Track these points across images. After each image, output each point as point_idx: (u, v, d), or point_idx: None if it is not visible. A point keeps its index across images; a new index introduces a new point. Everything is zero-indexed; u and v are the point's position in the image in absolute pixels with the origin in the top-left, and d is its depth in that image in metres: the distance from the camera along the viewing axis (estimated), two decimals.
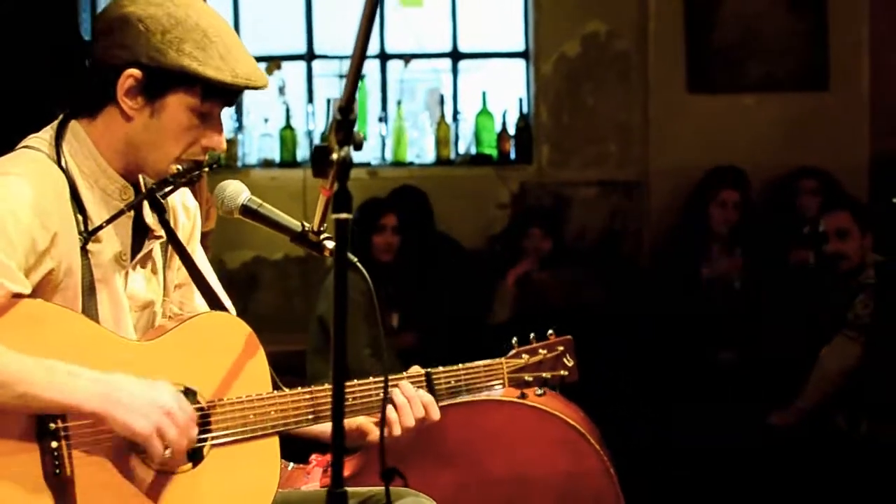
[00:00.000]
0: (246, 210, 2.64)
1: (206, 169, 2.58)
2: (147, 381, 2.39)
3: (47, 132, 2.53)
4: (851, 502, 4.99)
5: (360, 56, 1.96)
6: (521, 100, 7.36)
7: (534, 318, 3.10)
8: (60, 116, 2.55)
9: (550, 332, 2.96)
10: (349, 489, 2.53)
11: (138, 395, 2.35)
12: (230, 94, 2.51)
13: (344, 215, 1.99)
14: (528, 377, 2.91)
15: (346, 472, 3.67)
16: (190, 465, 2.48)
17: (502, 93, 7.49)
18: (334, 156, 2.00)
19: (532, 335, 2.94)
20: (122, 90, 2.45)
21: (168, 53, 2.42)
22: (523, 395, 2.94)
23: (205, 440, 2.49)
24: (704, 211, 6.59)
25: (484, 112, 7.32)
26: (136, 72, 2.44)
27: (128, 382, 2.36)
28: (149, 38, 2.42)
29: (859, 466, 5.08)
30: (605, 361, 5.59)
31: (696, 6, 7.15)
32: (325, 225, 2.50)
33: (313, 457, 3.68)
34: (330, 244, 2.60)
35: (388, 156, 7.31)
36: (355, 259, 2.45)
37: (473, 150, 7.35)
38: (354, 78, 1.97)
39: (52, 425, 2.33)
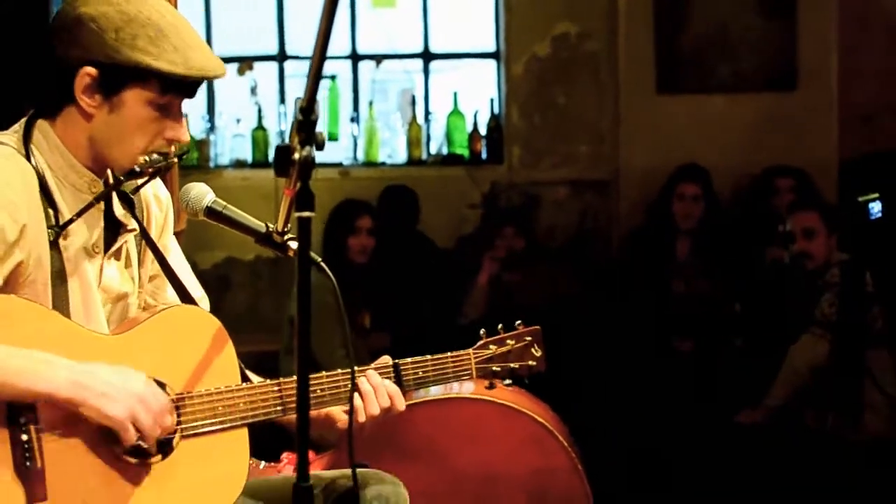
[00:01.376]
0: (210, 212, 2.67)
1: (174, 160, 2.60)
2: (120, 369, 2.42)
3: (14, 129, 2.56)
4: (820, 499, 5.02)
5: (320, 56, 1.98)
6: (492, 100, 7.39)
7: (504, 317, 3.12)
8: (28, 115, 2.57)
9: (519, 322, 2.98)
10: (315, 474, 2.56)
11: (112, 382, 2.38)
12: (188, 86, 2.53)
13: (306, 214, 2.02)
14: (495, 367, 2.93)
15: (317, 470, 3.69)
16: (160, 456, 2.50)
17: (473, 93, 7.52)
18: (296, 155, 2.03)
19: (500, 326, 2.97)
20: (80, 89, 2.48)
21: (121, 50, 2.45)
22: (492, 386, 2.98)
23: (174, 432, 2.52)
24: (668, 208, 6.62)
25: (455, 112, 7.34)
26: (91, 70, 2.46)
27: (101, 370, 2.39)
28: (102, 36, 2.45)
29: (827, 463, 5.11)
30: (574, 359, 5.63)
31: (666, 7, 7.19)
32: (290, 225, 2.53)
33: (284, 454, 3.71)
34: (294, 244, 2.62)
35: (360, 156, 7.33)
36: (319, 259, 2.48)
37: (445, 151, 7.37)
38: (315, 78, 2.00)
39: (22, 418, 2.34)
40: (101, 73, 2.47)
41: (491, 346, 2.94)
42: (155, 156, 2.55)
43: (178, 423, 2.53)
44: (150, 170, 2.56)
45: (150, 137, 2.54)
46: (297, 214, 2.02)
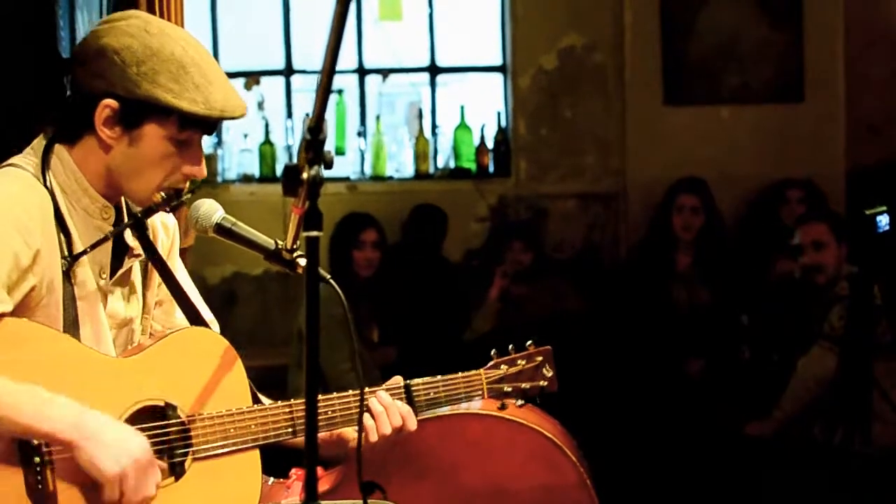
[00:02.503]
0: (220, 229, 2.67)
1: (189, 195, 2.61)
2: (126, 428, 2.41)
3: (30, 153, 2.56)
4: None
5: (328, 75, 1.98)
6: (499, 113, 7.39)
7: (514, 331, 3.11)
8: (44, 138, 2.57)
9: (529, 342, 2.98)
10: (324, 502, 2.55)
11: (113, 437, 2.37)
12: (208, 123, 2.54)
13: (315, 233, 2.02)
14: (507, 388, 2.93)
15: (325, 487, 3.68)
16: (172, 478, 2.50)
17: (480, 107, 7.52)
18: (304, 175, 2.03)
19: (511, 346, 2.96)
20: (100, 120, 2.49)
21: (142, 85, 2.45)
22: (503, 406, 2.96)
23: (186, 454, 2.52)
24: (668, 220, 6.62)
25: (462, 126, 7.34)
26: (112, 102, 2.47)
27: (106, 422, 2.38)
28: (124, 69, 2.46)
29: (835, 476, 5.10)
30: (583, 373, 5.63)
31: (672, 18, 7.19)
32: (299, 243, 2.53)
33: (293, 471, 3.70)
34: (303, 262, 2.62)
35: (368, 170, 7.33)
36: (328, 276, 2.48)
37: (452, 164, 7.37)
38: (323, 97, 2.00)
39: (35, 441, 2.35)
40: (122, 106, 2.47)
41: (502, 367, 2.94)
42: (169, 193, 2.56)
43: (190, 444, 2.53)
44: (166, 207, 2.58)
45: (167, 172, 2.55)
46: (305, 234, 2.01)
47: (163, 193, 2.56)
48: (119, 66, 2.46)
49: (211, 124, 2.56)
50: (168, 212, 2.62)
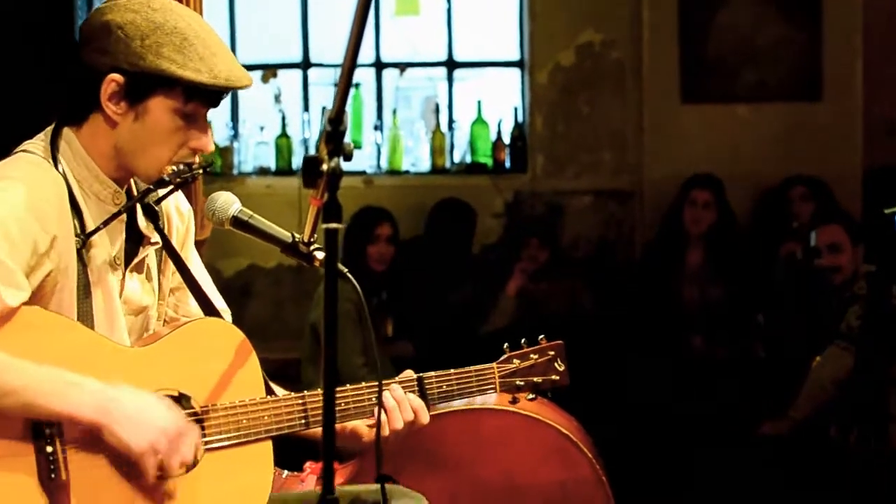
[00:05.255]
0: (236, 221, 2.66)
1: (200, 171, 2.60)
2: (150, 398, 2.41)
3: (42, 138, 2.56)
4: None
5: (349, 69, 1.97)
6: (515, 109, 7.39)
7: (529, 327, 3.11)
8: (54, 123, 2.58)
9: (541, 336, 2.98)
10: (339, 489, 2.55)
11: (139, 410, 2.37)
12: (213, 94, 2.53)
13: (333, 225, 2.01)
14: (519, 382, 2.93)
15: (340, 480, 3.69)
16: (184, 469, 2.49)
17: (497, 102, 7.50)
18: (324, 167, 2.02)
19: (523, 340, 2.96)
20: (106, 96, 2.48)
21: (147, 57, 2.45)
22: (515, 400, 2.96)
23: (195, 463, 2.51)
24: (680, 214, 6.61)
25: (479, 121, 7.33)
26: (117, 77, 2.47)
27: (129, 397, 2.38)
28: (128, 43, 2.46)
29: (851, 476, 5.08)
30: (600, 369, 5.62)
31: (690, 16, 7.18)
32: (316, 235, 2.53)
33: (308, 464, 3.70)
34: (320, 254, 2.61)
35: (384, 164, 7.33)
36: (346, 269, 2.47)
37: (468, 159, 7.37)
38: (345, 89, 1.99)
39: (48, 430, 2.35)
40: (127, 80, 2.47)
41: (514, 361, 2.94)
42: (181, 166, 2.55)
43: (203, 436, 2.53)
44: (178, 180, 2.56)
45: (174, 147, 2.54)
46: (324, 226, 2.01)
47: (173, 167, 2.54)
48: (123, 40, 2.46)
49: (216, 96, 2.55)
50: (178, 186, 2.59)
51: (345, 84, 1.99)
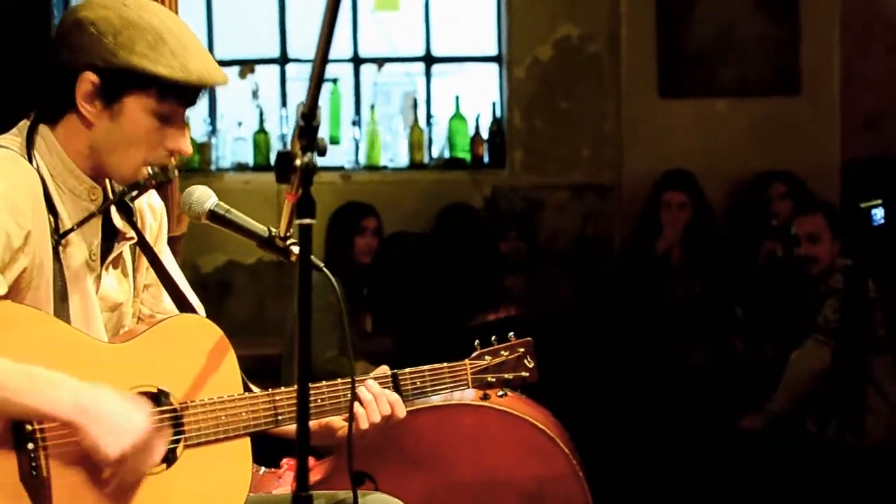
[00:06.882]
0: (213, 215, 2.65)
1: (176, 173, 2.59)
2: (127, 400, 2.40)
3: (16, 133, 2.54)
4: None
5: (321, 62, 1.97)
6: (494, 104, 7.38)
7: (509, 323, 3.14)
8: (29, 119, 2.56)
9: (511, 334, 3.01)
10: (316, 492, 2.55)
11: (115, 413, 2.35)
12: (188, 93, 2.52)
13: (307, 221, 2.01)
14: (490, 378, 2.97)
15: (317, 477, 3.68)
16: (164, 465, 2.50)
17: (476, 97, 7.51)
18: (297, 162, 2.02)
19: (493, 338, 2.99)
20: (81, 95, 2.47)
21: (119, 54, 2.44)
22: (486, 396, 3.01)
23: (178, 441, 2.52)
24: (656, 217, 6.62)
25: (457, 116, 7.33)
26: (91, 75, 2.45)
27: (108, 399, 2.37)
28: (100, 39, 2.45)
29: (829, 469, 5.11)
30: (576, 364, 5.63)
31: (669, 10, 7.18)
32: (292, 230, 2.52)
33: (284, 461, 3.70)
34: (296, 249, 2.61)
35: (362, 159, 7.32)
36: (321, 264, 2.47)
37: (447, 154, 7.36)
38: (317, 84, 1.98)
39: (29, 427, 2.33)
40: (102, 79, 2.46)
41: (486, 357, 2.98)
42: (156, 169, 2.54)
43: (182, 431, 2.52)
44: (153, 183, 2.55)
45: (150, 147, 2.52)
46: (298, 222, 2.00)
47: (149, 170, 2.53)
48: (95, 36, 2.45)
49: (192, 95, 2.53)
50: (155, 188, 2.59)
51: (317, 79, 1.98)
